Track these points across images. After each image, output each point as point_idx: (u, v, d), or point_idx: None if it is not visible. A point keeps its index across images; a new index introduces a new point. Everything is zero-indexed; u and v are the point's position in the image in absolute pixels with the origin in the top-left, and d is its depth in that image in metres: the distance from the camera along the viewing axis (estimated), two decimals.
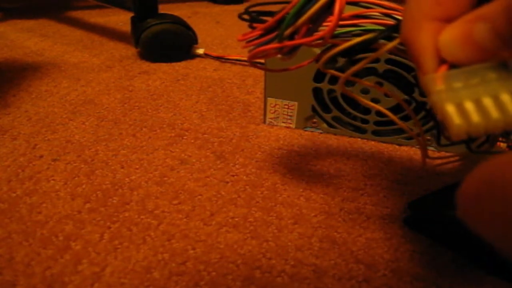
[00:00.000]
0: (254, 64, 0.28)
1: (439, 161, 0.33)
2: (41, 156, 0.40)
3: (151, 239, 0.31)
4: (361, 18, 0.25)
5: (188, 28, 0.66)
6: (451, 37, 0.16)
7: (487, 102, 0.15)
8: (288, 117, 0.46)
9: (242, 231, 0.32)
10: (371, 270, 0.29)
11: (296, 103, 0.45)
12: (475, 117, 0.15)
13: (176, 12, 0.70)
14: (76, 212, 0.33)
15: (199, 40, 0.68)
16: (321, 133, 0.46)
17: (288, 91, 0.45)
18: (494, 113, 0.15)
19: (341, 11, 0.22)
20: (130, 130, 0.45)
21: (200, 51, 0.68)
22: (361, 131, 0.45)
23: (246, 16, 0.26)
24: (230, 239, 0.31)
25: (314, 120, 0.46)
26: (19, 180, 0.37)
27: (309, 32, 0.24)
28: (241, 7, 1.05)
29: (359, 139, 0.45)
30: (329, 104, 0.44)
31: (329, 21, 0.23)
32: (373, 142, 0.45)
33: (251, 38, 0.26)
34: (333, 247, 0.31)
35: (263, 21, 0.25)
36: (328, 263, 0.29)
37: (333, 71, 0.29)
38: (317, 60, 0.28)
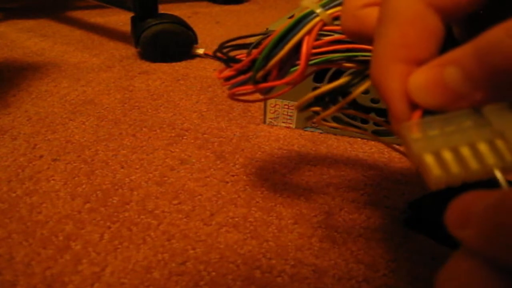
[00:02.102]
0: (235, 99, 0.29)
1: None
2: (41, 156, 0.40)
3: (151, 239, 0.31)
4: (338, 43, 0.25)
5: (188, 28, 0.66)
6: (421, 82, 0.15)
7: (465, 151, 0.14)
8: (288, 117, 0.46)
9: (242, 231, 0.32)
10: (371, 270, 0.29)
11: (296, 103, 0.45)
12: (454, 168, 0.14)
13: (176, 12, 0.70)
14: (76, 212, 0.33)
15: (199, 40, 0.68)
16: (321, 133, 0.46)
17: (288, 91, 0.45)
18: (472, 163, 0.14)
19: (308, 53, 0.22)
20: (130, 130, 0.45)
21: (200, 51, 0.68)
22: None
23: (220, 55, 0.26)
24: (230, 239, 0.31)
25: (314, 120, 0.46)
26: (19, 180, 0.37)
27: (282, 73, 0.24)
28: (241, 7, 1.05)
29: (359, 139, 0.45)
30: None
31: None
32: (373, 142, 0.45)
33: (227, 78, 0.26)
34: (333, 247, 0.31)
35: (238, 60, 0.25)
36: (328, 263, 0.29)
37: (313, 108, 0.29)
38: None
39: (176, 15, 0.67)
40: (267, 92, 0.26)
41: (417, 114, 0.16)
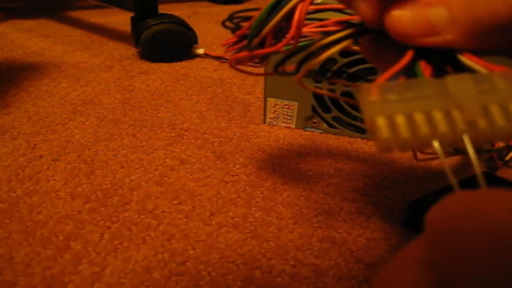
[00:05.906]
0: (235, 68, 0.29)
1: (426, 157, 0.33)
2: (41, 156, 0.40)
3: (151, 239, 0.31)
4: (326, 26, 0.25)
5: (188, 28, 0.66)
6: (406, 16, 0.17)
7: (419, 117, 0.14)
8: (288, 117, 0.46)
9: (242, 231, 0.32)
10: (371, 270, 0.29)
11: (296, 103, 0.45)
12: (404, 132, 0.14)
13: (176, 12, 0.70)
14: (76, 212, 0.33)
15: (199, 40, 0.68)
16: (321, 133, 0.46)
17: (288, 91, 0.45)
18: (423, 129, 0.14)
19: (300, 19, 0.22)
20: (130, 130, 0.45)
21: (200, 51, 0.68)
22: (361, 131, 0.45)
23: (229, 24, 0.27)
24: (230, 239, 0.31)
25: (314, 120, 0.46)
26: (19, 180, 0.37)
27: (278, 40, 0.24)
28: (241, 7, 1.05)
29: (359, 139, 0.45)
30: (329, 104, 0.44)
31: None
32: (373, 142, 0.45)
33: (228, 45, 0.26)
34: (333, 247, 0.31)
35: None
36: (328, 263, 0.29)
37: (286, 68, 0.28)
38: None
39: (176, 15, 0.67)
40: (262, 59, 0.26)
41: (381, 77, 0.16)
